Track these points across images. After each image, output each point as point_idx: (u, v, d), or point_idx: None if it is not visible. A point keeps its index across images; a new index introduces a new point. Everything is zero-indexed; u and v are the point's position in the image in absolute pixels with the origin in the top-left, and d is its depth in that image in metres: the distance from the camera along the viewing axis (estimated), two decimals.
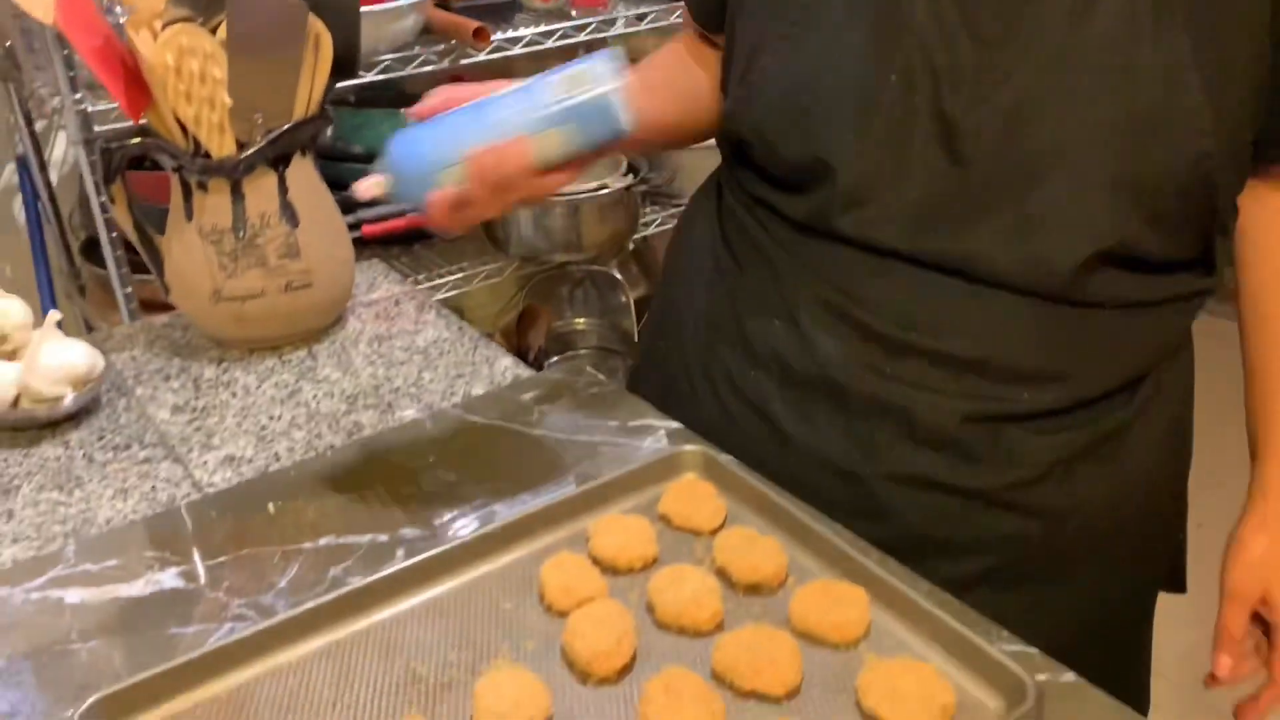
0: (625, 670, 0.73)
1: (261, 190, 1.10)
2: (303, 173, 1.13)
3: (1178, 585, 1.00)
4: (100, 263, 1.80)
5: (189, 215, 1.09)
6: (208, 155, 1.07)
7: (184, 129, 1.06)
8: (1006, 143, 0.80)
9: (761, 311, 0.95)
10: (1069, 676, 0.71)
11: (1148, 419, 0.90)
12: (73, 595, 0.82)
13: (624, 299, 2.46)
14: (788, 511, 0.84)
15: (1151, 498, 0.94)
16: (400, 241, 1.90)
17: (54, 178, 2.03)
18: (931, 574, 0.80)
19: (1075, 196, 0.80)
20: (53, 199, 1.99)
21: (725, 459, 0.90)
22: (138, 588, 0.82)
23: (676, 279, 1.09)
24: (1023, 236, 0.81)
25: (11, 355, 1.05)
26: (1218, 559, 0.88)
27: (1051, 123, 0.79)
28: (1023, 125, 0.80)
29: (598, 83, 0.76)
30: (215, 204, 1.09)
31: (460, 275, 1.89)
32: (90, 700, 0.68)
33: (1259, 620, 0.86)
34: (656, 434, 0.99)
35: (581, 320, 2.45)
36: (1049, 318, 0.84)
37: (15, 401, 1.03)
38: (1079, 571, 0.91)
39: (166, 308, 1.23)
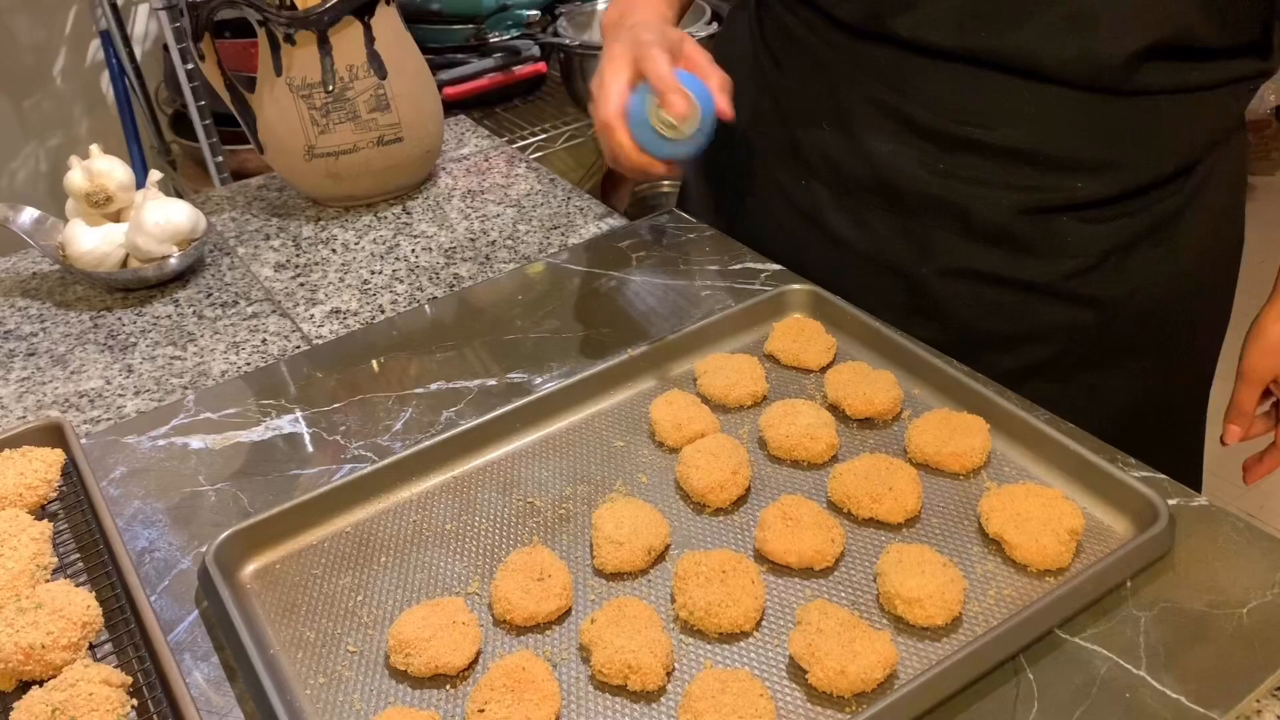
0: (741, 501, 0.73)
1: (348, 41, 1.08)
2: (388, 23, 1.10)
3: (1211, 364, 0.99)
4: (190, 136, 1.81)
5: (278, 70, 1.08)
6: (293, 7, 1.05)
7: None
8: None
9: (810, 117, 0.94)
10: (1200, 501, 0.69)
11: (1200, 204, 0.87)
12: (196, 441, 0.84)
13: None
14: (900, 344, 0.82)
15: (1205, 283, 0.92)
16: (481, 104, 1.87)
17: (138, 53, 2.03)
18: (988, 368, 0.81)
19: None
20: (139, 73, 2.00)
21: (833, 297, 0.88)
22: (258, 434, 0.84)
23: None
24: (1074, 30, 0.78)
25: (116, 216, 1.06)
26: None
27: None
28: None
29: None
30: (303, 57, 1.08)
31: (544, 136, 1.86)
32: (223, 535, 0.70)
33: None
34: (758, 276, 0.97)
35: (666, 182, 2.41)
36: (1101, 107, 0.81)
37: (124, 262, 1.05)
38: (1134, 359, 0.90)
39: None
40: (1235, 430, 0.89)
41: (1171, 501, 0.68)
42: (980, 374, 0.80)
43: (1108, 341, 0.89)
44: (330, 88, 1.08)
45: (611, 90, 0.81)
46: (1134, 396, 0.91)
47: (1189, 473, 0.98)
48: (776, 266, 0.98)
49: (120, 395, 0.92)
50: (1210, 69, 0.81)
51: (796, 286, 0.90)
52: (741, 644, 0.63)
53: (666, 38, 0.82)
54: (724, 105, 0.81)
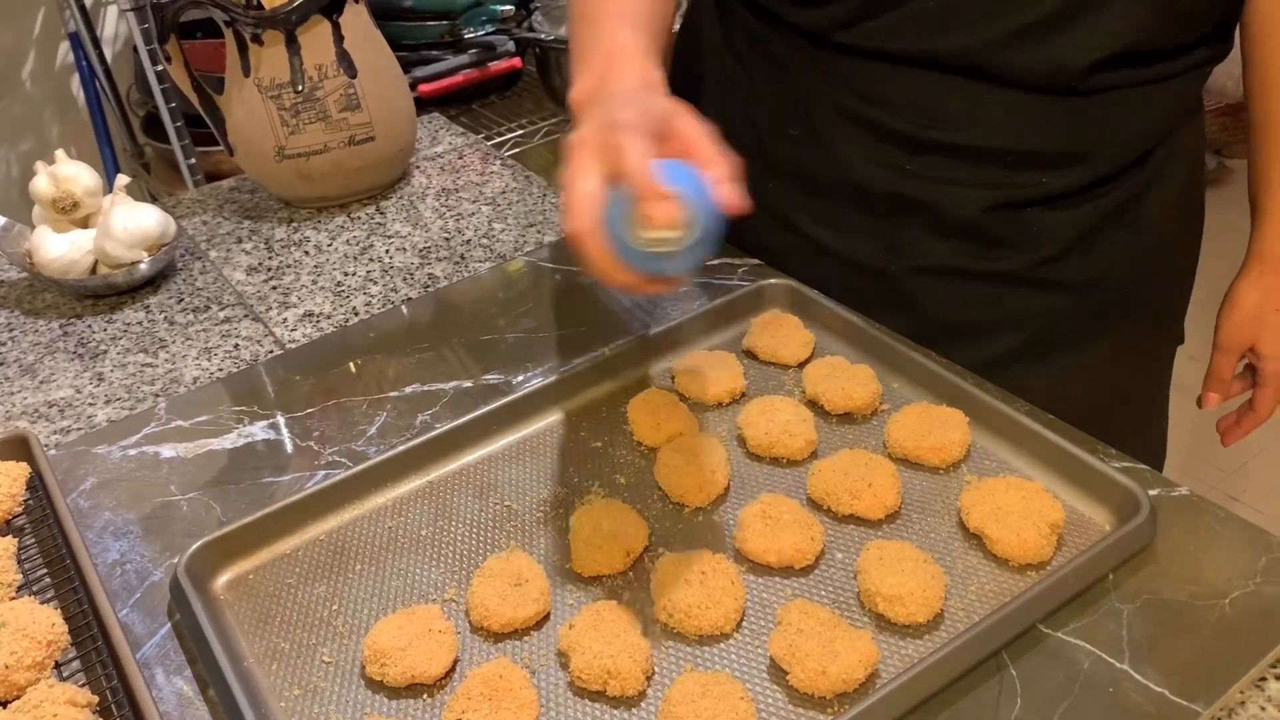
0: (720, 500, 0.73)
1: (317, 40, 1.06)
2: (357, 21, 1.09)
3: (1177, 336, 1.00)
4: (162, 138, 1.79)
5: (246, 70, 1.07)
6: (260, 6, 1.04)
7: None
8: None
9: (775, 121, 0.93)
10: (1181, 490, 0.69)
11: (1163, 181, 0.88)
12: (168, 450, 0.83)
13: None
14: (878, 338, 0.82)
15: (1170, 256, 0.93)
16: (457, 101, 1.85)
17: (108, 55, 2.01)
18: (964, 358, 0.81)
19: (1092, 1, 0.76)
20: (109, 75, 1.97)
21: (811, 291, 0.88)
22: (230, 441, 0.83)
23: (684, 90, 1.05)
24: (1036, 39, 0.78)
25: (84, 222, 1.05)
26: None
27: None
28: None
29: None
30: (272, 57, 1.06)
31: (521, 132, 1.84)
32: (195, 545, 0.69)
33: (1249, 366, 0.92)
34: (735, 270, 0.96)
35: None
36: (1064, 106, 0.81)
37: (93, 269, 1.03)
38: (1104, 338, 0.90)
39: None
40: (1214, 396, 0.91)
41: (1152, 492, 0.68)
42: (958, 366, 0.80)
43: (1078, 323, 0.89)
44: (299, 88, 1.07)
45: (580, 193, 0.61)
46: (1104, 373, 0.92)
47: (1155, 445, 0.99)
48: (754, 261, 0.97)
49: (90, 404, 0.90)
50: (1170, 64, 0.82)
51: (774, 281, 0.89)
52: (722, 645, 0.62)
53: (649, 114, 0.64)
54: (733, 198, 0.61)
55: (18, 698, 0.52)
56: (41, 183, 1.02)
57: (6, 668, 0.53)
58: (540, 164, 2.24)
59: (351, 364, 0.90)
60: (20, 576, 0.60)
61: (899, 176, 0.87)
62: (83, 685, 0.55)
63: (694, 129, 0.64)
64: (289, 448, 0.82)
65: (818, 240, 0.93)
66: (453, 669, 0.62)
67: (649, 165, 0.59)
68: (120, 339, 0.98)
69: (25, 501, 0.67)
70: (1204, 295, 0.95)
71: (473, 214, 1.14)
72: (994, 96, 0.82)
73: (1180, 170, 0.89)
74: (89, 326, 1.01)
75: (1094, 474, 0.68)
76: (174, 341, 0.97)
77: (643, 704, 0.60)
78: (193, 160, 1.69)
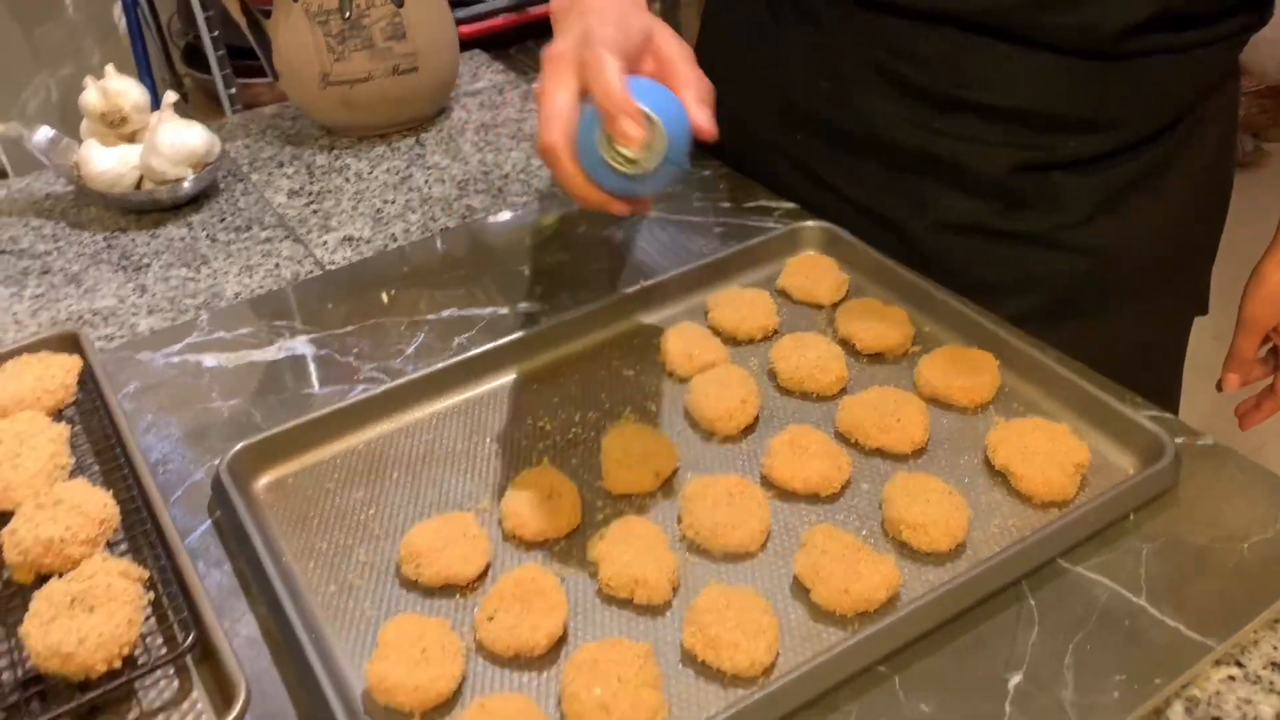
0: (749, 430, 0.74)
1: None
2: None
3: (1201, 307, 1.00)
4: (202, 68, 1.80)
5: None
6: None
7: None
8: None
9: (805, 73, 0.93)
10: (1207, 440, 0.70)
11: (1191, 149, 0.87)
12: (209, 359, 0.85)
13: None
14: (913, 283, 0.83)
15: (1194, 226, 0.93)
16: (496, 44, 1.86)
17: None
18: None
19: None
20: (151, 4, 1.98)
21: (847, 234, 0.88)
22: (270, 354, 0.85)
23: (714, 37, 1.06)
24: (1072, 2, 0.77)
25: (131, 138, 1.06)
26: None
27: None
28: None
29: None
30: None
31: None
32: (237, 447, 0.71)
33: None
34: (771, 214, 0.97)
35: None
36: (1095, 70, 0.81)
37: (138, 184, 1.05)
38: (1123, 304, 0.90)
39: None
40: (1234, 378, 0.90)
41: (1179, 440, 0.69)
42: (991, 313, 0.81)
43: (1098, 288, 0.89)
44: (347, 14, 1.08)
45: (553, 107, 0.61)
46: (1121, 339, 0.92)
47: (1168, 407, 0.98)
48: (790, 205, 0.98)
49: (134, 314, 0.92)
50: (1203, 31, 0.81)
51: (810, 224, 0.90)
52: (746, 564, 0.64)
53: (627, 30, 0.63)
54: (702, 121, 0.62)
55: (72, 570, 0.54)
56: (91, 96, 1.04)
57: (61, 541, 0.55)
58: None
59: (390, 287, 0.91)
60: (73, 461, 0.62)
61: (926, 134, 0.87)
62: None
63: (673, 48, 0.64)
64: (327, 363, 0.83)
65: (843, 193, 0.94)
66: (485, 572, 0.64)
67: (621, 84, 0.59)
68: (163, 253, 1.00)
69: (76, 396, 0.69)
70: (1235, 278, 0.95)
71: (511, 149, 1.15)
72: (1024, 57, 0.81)
73: (1208, 140, 0.89)
74: (132, 240, 1.02)
75: (1121, 419, 0.69)
76: (215, 258, 0.99)
77: (668, 613, 0.61)
78: (232, 90, 1.70)
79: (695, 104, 0.62)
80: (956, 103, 0.85)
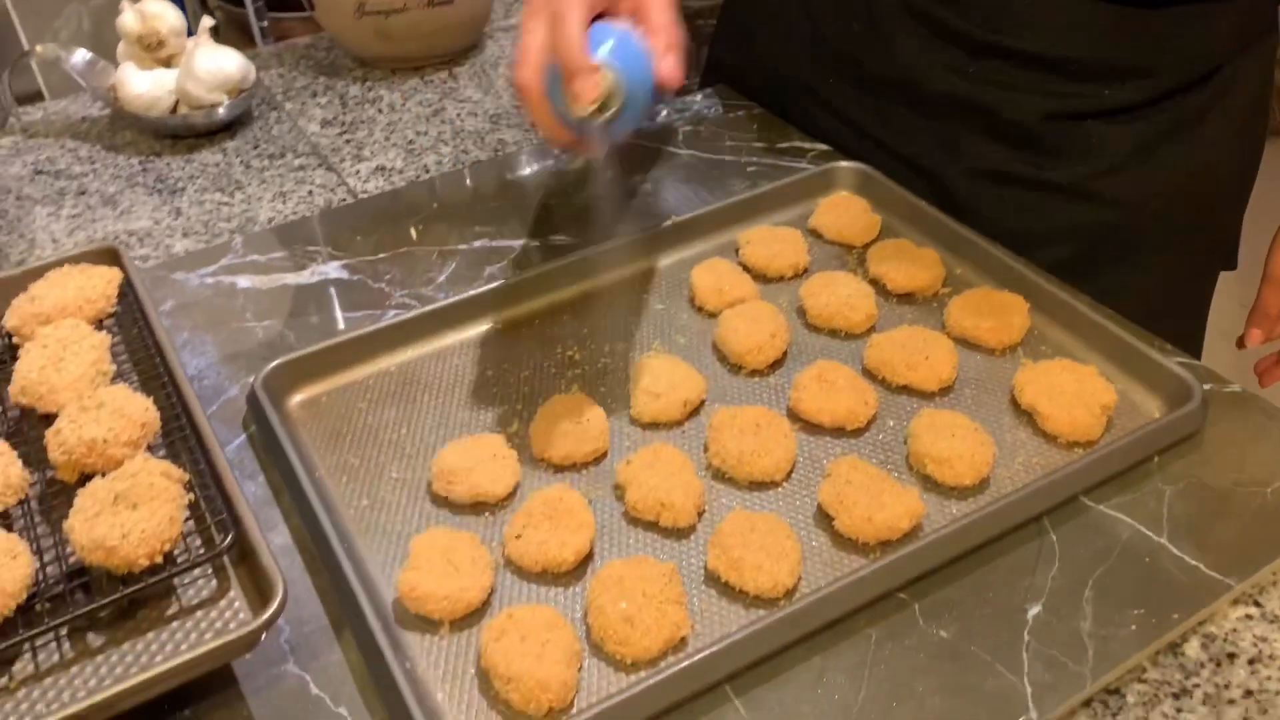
0: (777, 364, 0.74)
1: None
2: None
3: (1228, 262, 1.00)
4: (234, 0, 1.80)
5: None
6: None
7: None
8: None
9: (839, 15, 0.93)
10: (1234, 387, 0.70)
11: (1225, 102, 0.87)
12: (244, 281, 0.85)
13: None
14: (945, 224, 0.83)
15: (1225, 179, 0.92)
16: None
17: None
18: None
19: None
20: None
21: (879, 175, 0.88)
22: (304, 277, 0.86)
23: None
24: None
25: (167, 62, 1.07)
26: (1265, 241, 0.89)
27: None
28: None
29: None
30: None
31: None
32: (273, 364, 0.72)
33: None
34: (805, 155, 0.97)
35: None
36: (1132, 18, 0.80)
37: (174, 108, 1.06)
38: (1152, 256, 0.90)
39: None
40: (1257, 333, 0.89)
41: (1206, 386, 0.69)
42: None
43: (1128, 239, 0.89)
44: None
45: (528, 47, 0.63)
46: (1148, 291, 0.92)
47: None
48: (823, 146, 0.97)
49: (169, 236, 0.93)
50: None
51: (843, 164, 0.90)
52: (771, 492, 0.65)
53: None
54: (666, 71, 0.64)
55: (114, 470, 0.56)
56: (129, 19, 1.04)
57: (105, 442, 0.56)
58: None
59: (421, 217, 0.92)
60: (114, 368, 0.63)
61: (959, 79, 0.86)
62: None
63: None
64: (360, 288, 0.84)
65: (874, 137, 0.94)
66: (514, 492, 0.65)
67: (579, 40, 0.60)
68: (197, 178, 1.01)
69: (116, 307, 0.70)
70: (1262, 243, 0.94)
71: None
72: (1061, 3, 0.81)
73: (1243, 94, 0.88)
74: (167, 164, 1.03)
75: (1150, 364, 0.69)
76: (249, 184, 1.00)
77: (692, 537, 0.62)
78: (264, 23, 1.70)
79: (662, 52, 0.64)
80: (992, 48, 0.84)
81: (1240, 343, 0.91)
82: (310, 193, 0.98)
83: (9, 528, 0.56)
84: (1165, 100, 0.85)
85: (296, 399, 0.73)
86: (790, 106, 1.01)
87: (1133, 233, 0.89)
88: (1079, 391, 0.67)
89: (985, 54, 0.85)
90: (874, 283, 0.80)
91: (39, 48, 1.07)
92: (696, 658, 0.53)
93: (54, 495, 0.59)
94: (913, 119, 0.91)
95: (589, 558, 0.61)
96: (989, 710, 0.53)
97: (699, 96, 1.07)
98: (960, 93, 0.87)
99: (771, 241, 0.83)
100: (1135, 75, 0.83)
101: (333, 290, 0.84)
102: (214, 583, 0.56)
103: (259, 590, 0.54)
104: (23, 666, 0.52)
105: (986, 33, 0.84)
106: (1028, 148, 0.87)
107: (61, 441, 0.57)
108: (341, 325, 0.80)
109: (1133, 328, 0.74)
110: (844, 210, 0.86)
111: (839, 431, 0.69)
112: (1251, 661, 0.56)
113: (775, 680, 0.55)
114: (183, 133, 1.06)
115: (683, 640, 0.56)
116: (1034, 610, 0.57)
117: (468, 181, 0.98)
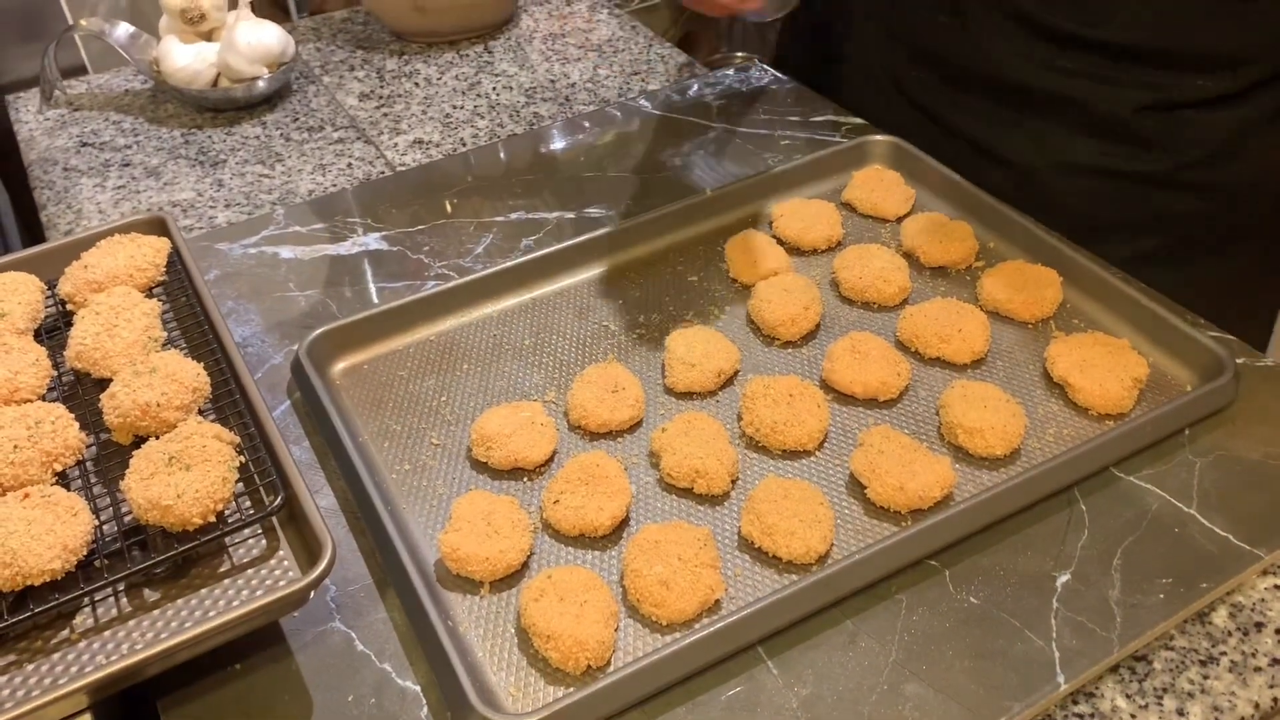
0: (810, 336, 0.75)
1: None
2: None
3: None
4: None
5: None
6: None
7: None
8: None
9: (925, 7, 0.92)
10: (1266, 361, 0.70)
11: None
12: (286, 251, 0.87)
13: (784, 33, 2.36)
14: (979, 198, 0.83)
15: None
16: None
17: None
18: (1101, 256, 0.80)
19: None
20: None
21: (913, 148, 0.88)
22: (345, 248, 0.87)
23: None
24: None
25: (208, 35, 1.08)
26: None
27: None
28: None
29: None
30: None
31: None
32: (316, 332, 0.74)
33: None
34: (839, 128, 0.97)
35: (740, 55, 2.37)
36: (1228, 7, 0.79)
37: (215, 82, 1.07)
38: (1243, 247, 0.90)
39: None
40: None
41: (1239, 360, 0.69)
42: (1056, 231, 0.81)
43: (1220, 228, 0.88)
44: None
45: None
46: (1235, 281, 0.91)
47: (1258, 342, 0.98)
48: (858, 120, 0.98)
49: (211, 207, 0.95)
50: None
51: (878, 137, 0.90)
52: (804, 461, 0.66)
53: None
54: None
55: (167, 433, 0.57)
56: None
57: (158, 405, 0.58)
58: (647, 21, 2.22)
59: (458, 189, 0.93)
60: (165, 334, 0.65)
61: (1049, 73, 0.85)
62: None
63: None
64: (400, 259, 0.86)
65: (961, 132, 0.92)
66: (552, 458, 0.67)
67: None
68: (239, 150, 1.03)
69: (164, 276, 0.72)
70: None
71: (578, 59, 1.15)
72: None
73: None
74: (209, 137, 1.05)
75: (1183, 338, 0.70)
76: (290, 156, 1.01)
77: (726, 503, 0.64)
78: None
79: None
80: (1082, 41, 0.83)
81: None
82: (349, 165, 1.00)
83: (66, 488, 0.58)
84: (1257, 90, 0.83)
85: (339, 366, 0.75)
86: (868, 102, 1.00)
87: (1226, 223, 0.88)
88: (1111, 364, 0.67)
89: (1073, 47, 0.84)
90: (907, 256, 0.81)
91: (83, 21, 1.09)
92: (730, 619, 0.54)
93: (109, 457, 0.61)
94: (1002, 113, 0.90)
95: (625, 523, 0.63)
96: (1018, 674, 0.54)
97: (731, 70, 1.08)
98: (1048, 86, 0.86)
99: (805, 214, 0.84)
100: (1230, 64, 0.82)
101: (372, 261, 0.86)
102: (264, 543, 0.57)
103: (307, 550, 0.56)
104: (83, 620, 0.54)
105: (1078, 25, 0.83)
106: (1120, 140, 0.86)
107: (116, 405, 0.59)
108: (381, 296, 0.82)
109: (1165, 301, 0.74)
110: (878, 183, 0.86)
111: (871, 402, 0.70)
112: (1279, 631, 0.57)
113: (807, 643, 0.56)
114: (224, 106, 1.08)
115: (717, 603, 0.58)
116: (1063, 578, 0.58)
117: (502, 155, 0.99)
